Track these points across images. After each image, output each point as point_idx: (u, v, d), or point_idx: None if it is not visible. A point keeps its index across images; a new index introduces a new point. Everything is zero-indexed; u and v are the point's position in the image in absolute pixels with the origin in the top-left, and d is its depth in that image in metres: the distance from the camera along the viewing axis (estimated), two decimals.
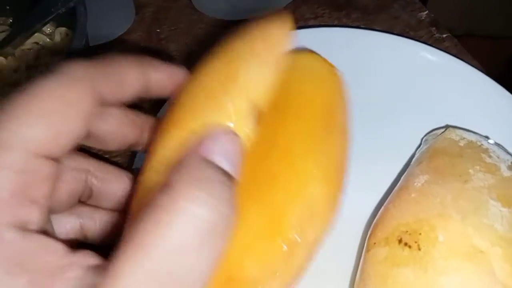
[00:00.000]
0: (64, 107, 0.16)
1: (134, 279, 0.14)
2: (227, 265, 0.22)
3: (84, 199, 0.21)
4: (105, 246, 0.21)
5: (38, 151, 0.16)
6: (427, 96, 0.38)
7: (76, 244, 0.18)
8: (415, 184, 0.28)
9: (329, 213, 0.24)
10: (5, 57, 0.38)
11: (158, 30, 0.46)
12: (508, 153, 0.31)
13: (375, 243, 0.27)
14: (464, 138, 0.31)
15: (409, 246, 0.25)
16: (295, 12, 0.48)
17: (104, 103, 0.18)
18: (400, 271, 0.24)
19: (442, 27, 0.47)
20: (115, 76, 0.18)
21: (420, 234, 0.24)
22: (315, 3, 0.50)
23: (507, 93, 0.36)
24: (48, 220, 0.17)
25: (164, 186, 0.15)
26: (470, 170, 0.27)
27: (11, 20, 0.40)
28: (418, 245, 0.24)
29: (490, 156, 0.29)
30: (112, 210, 0.22)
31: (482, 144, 0.30)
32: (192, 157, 0.17)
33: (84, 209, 0.21)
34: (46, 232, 0.16)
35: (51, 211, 0.17)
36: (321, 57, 0.28)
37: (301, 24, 0.47)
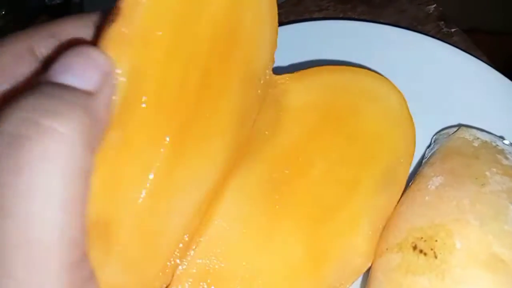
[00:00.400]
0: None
1: None
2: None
3: None
4: None
5: None
6: (436, 93, 0.37)
7: None
8: (429, 186, 0.27)
9: (363, 267, 0.26)
10: None
11: None
12: None
13: (387, 248, 0.26)
14: (478, 138, 0.29)
15: (425, 254, 0.23)
16: (299, 5, 0.47)
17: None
18: (416, 279, 0.23)
19: (451, 21, 0.46)
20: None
21: (436, 241, 0.23)
22: None
23: None
24: None
25: None
26: (487, 173, 0.26)
27: (3, 12, 0.39)
28: (434, 253, 0.23)
29: (506, 158, 0.27)
30: None
31: (497, 145, 0.29)
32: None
33: None
34: None
35: None
36: (394, 86, 0.29)
37: (305, 17, 0.46)
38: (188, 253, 0.24)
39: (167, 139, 0.21)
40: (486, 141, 0.29)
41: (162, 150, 0.21)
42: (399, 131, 0.28)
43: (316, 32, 0.39)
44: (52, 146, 0.16)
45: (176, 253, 0.23)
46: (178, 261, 0.23)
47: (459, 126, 0.32)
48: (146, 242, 0.22)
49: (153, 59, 0.20)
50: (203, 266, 0.24)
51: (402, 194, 0.29)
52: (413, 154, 0.28)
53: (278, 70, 0.27)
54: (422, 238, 0.24)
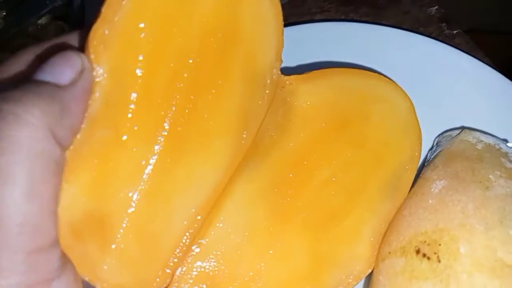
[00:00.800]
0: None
1: None
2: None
3: None
4: None
5: None
6: (439, 95, 0.37)
7: None
8: (433, 190, 0.26)
9: (364, 272, 0.26)
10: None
11: None
12: None
13: (390, 252, 0.25)
14: (481, 140, 0.29)
15: (428, 258, 0.23)
16: (301, 6, 0.47)
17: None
18: (420, 284, 0.23)
19: (453, 22, 0.45)
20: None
21: (440, 245, 0.23)
22: None
23: None
24: None
25: None
26: (491, 176, 0.26)
27: (4, 13, 0.38)
28: (438, 257, 0.23)
29: (510, 161, 0.27)
30: None
31: (501, 148, 0.29)
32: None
33: None
34: None
35: None
36: (403, 90, 0.29)
37: (307, 18, 0.46)
38: (188, 255, 0.24)
39: (161, 137, 0.21)
40: (489, 144, 0.29)
41: (157, 148, 0.21)
42: (406, 137, 0.28)
43: (323, 33, 0.39)
44: (14, 130, 0.17)
45: (176, 254, 0.23)
46: (178, 262, 0.23)
47: (462, 128, 0.32)
48: (144, 242, 0.22)
49: (137, 59, 0.21)
50: (204, 269, 0.24)
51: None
52: (419, 161, 0.28)
53: (286, 71, 0.27)
54: (425, 242, 0.24)
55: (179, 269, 0.24)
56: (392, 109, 0.28)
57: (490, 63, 0.40)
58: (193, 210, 0.23)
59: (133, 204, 0.21)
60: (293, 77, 0.27)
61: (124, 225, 0.21)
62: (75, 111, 0.19)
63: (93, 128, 0.20)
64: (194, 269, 0.24)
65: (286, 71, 0.27)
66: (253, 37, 0.24)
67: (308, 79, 0.27)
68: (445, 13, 0.46)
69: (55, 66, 0.19)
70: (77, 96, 0.19)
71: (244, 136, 0.24)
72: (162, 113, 0.21)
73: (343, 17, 0.46)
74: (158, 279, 0.23)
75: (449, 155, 0.29)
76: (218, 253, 0.24)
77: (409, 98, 0.28)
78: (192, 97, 0.22)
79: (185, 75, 0.22)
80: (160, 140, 0.22)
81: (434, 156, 0.31)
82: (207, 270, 0.24)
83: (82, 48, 0.21)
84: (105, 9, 0.20)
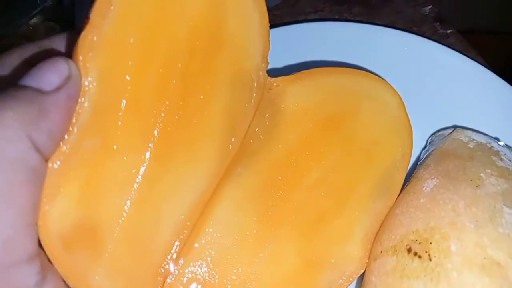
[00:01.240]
0: None
1: None
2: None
3: None
4: None
5: None
6: (432, 94, 0.37)
7: None
8: (424, 188, 0.26)
9: (356, 272, 0.26)
10: None
11: None
12: None
13: (381, 251, 0.25)
14: (473, 139, 0.29)
15: (419, 256, 0.23)
16: (295, 6, 0.46)
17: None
18: (411, 283, 0.23)
19: (447, 22, 0.46)
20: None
21: (431, 243, 0.23)
22: None
23: None
24: None
25: None
26: (482, 174, 0.26)
27: None
28: (429, 255, 0.23)
29: (501, 159, 0.27)
30: None
31: (492, 146, 0.28)
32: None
33: None
34: None
35: None
36: (392, 87, 0.28)
37: (301, 18, 0.46)
38: (179, 260, 0.24)
39: (151, 144, 0.21)
40: (481, 143, 0.29)
41: (146, 155, 0.21)
42: (396, 135, 0.28)
43: (312, 33, 0.39)
44: None
45: (167, 260, 0.23)
46: (168, 268, 0.23)
47: (454, 127, 0.32)
48: (134, 249, 0.22)
49: (126, 65, 0.20)
50: (194, 274, 0.24)
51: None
52: (410, 159, 0.28)
53: (273, 72, 0.27)
54: (417, 240, 0.24)
55: (170, 275, 0.23)
56: (381, 106, 0.28)
57: (483, 63, 0.40)
58: (182, 216, 0.23)
59: (124, 213, 0.21)
60: (279, 78, 0.27)
61: (115, 234, 0.21)
62: (55, 117, 0.18)
63: (83, 137, 0.20)
64: (185, 275, 0.24)
65: (273, 72, 0.27)
66: (238, 39, 0.24)
67: (295, 80, 0.27)
68: (438, 13, 0.46)
69: (40, 71, 0.19)
70: (59, 102, 0.18)
71: (232, 140, 0.24)
72: (152, 120, 0.21)
73: (336, 17, 0.46)
74: (149, 286, 0.23)
75: (441, 154, 0.29)
76: (209, 258, 0.24)
77: (398, 94, 0.28)
78: (181, 103, 0.22)
79: (174, 81, 0.22)
80: (149, 147, 0.21)
81: (426, 155, 0.31)
82: (198, 276, 0.24)
83: (70, 52, 0.20)
84: (93, 15, 0.19)
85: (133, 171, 0.21)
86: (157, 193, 0.22)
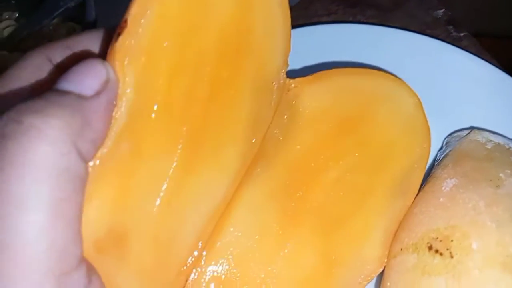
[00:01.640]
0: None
1: None
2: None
3: None
4: None
5: None
6: (448, 96, 0.37)
7: None
8: (443, 188, 0.27)
9: (375, 272, 0.26)
10: (10, 52, 0.36)
11: None
12: None
13: (401, 249, 0.26)
14: (491, 140, 0.30)
15: (440, 254, 0.23)
16: (309, 9, 0.47)
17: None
18: (432, 280, 0.23)
19: (460, 25, 0.46)
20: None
21: (452, 241, 0.23)
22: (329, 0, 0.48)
23: None
24: None
25: None
26: (501, 175, 0.26)
27: (17, 15, 0.39)
28: (450, 253, 0.23)
29: None
30: None
31: (510, 147, 0.29)
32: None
33: None
34: None
35: None
36: (410, 88, 0.29)
37: (314, 20, 0.46)
38: (201, 260, 0.24)
39: (179, 149, 0.21)
40: (499, 144, 0.29)
41: (174, 159, 0.21)
42: (414, 135, 0.28)
43: (329, 35, 0.40)
44: (34, 144, 0.15)
45: (189, 260, 0.23)
46: (191, 268, 0.23)
47: (471, 128, 0.32)
48: (160, 251, 0.22)
49: (160, 69, 0.20)
50: (216, 273, 0.24)
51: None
52: (428, 158, 0.28)
53: (291, 73, 0.27)
54: (437, 238, 0.24)
55: (192, 274, 0.24)
56: (399, 106, 0.28)
57: (497, 65, 0.40)
58: (206, 218, 0.23)
59: (151, 217, 0.21)
60: (298, 79, 0.27)
61: (141, 237, 0.21)
62: (97, 124, 0.18)
63: (118, 142, 0.20)
64: (207, 274, 0.24)
65: (291, 73, 0.27)
66: (264, 42, 0.24)
67: (312, 81, 0.27)
68: (451, 16, 0.46)
69: (79, 75, 0.18)
70: (99, 108, 0.18)
71: (253, 142, 0.24)
72: (180, 124, 0.21)
73: (350, 19, 0.47)
74: (173, 286, 0.23)
75: (459, 154, 0.30)
76: (230, 256, 0.25)
77: (415, 94, 0.28)
78: (207, 107, 0.22)
79: (203, 85, 0.22)
80: (177, 151, 0.21)
81: (443, 156, 0.31)
82: (219, 274, 0.24)
83: (101, 53, 0.20)
84: (130, 20, 0.19)
85: (162, 176, 0.21)
86: (183, 197, 0.22)
